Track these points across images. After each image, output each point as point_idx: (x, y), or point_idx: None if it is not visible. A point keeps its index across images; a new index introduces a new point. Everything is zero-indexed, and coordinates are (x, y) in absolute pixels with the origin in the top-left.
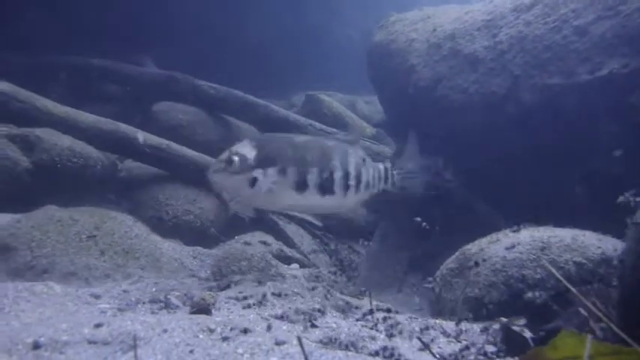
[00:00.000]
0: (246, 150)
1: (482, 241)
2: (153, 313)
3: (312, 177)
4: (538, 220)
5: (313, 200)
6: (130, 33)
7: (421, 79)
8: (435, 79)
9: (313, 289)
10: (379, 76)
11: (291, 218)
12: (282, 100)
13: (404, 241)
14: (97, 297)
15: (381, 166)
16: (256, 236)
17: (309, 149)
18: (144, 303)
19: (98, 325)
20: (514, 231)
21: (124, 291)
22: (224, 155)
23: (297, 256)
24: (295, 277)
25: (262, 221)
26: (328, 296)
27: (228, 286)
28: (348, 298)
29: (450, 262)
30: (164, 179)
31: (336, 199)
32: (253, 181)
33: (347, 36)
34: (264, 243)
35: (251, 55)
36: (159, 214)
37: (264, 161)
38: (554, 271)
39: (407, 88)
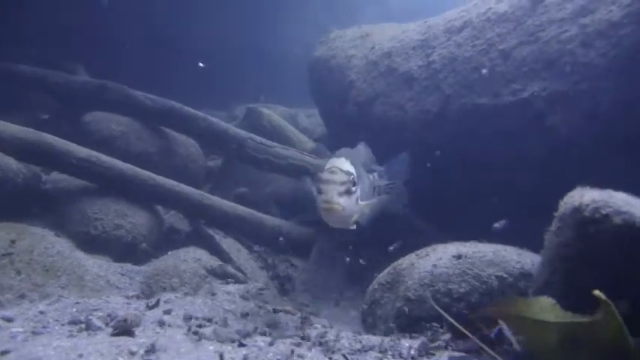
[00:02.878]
0: (350, 167)
1: (413, 256)
2: (71, 336)
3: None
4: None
5: (366, 211)
6: (66, 41)
7: (360, 94)
8: (373, 95)
9: (246, 305)
10: (320, 90)
11: (228, 232)
12: (223, 111)
13: (341, 256)
14: (8, 320)
15: (371, 177)
16: (190, 251)
17: (361, 164)
18: (62, 325)
19: (4, 352)
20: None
21: (41, 312)
22: (338, 177)
23: (232, 271)
24: (229, 293)
25: (198, 235)
26: (261, 313)
27: (156, 305)
28: (281, 315)
29: (382, 277)
30: (93, 192)
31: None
32: (357, 200)
33: (288, 49)
34: (198, 259)
35: (194, 65)
36: (87, 229)
37: (357, 178)
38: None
39: (346, 102)
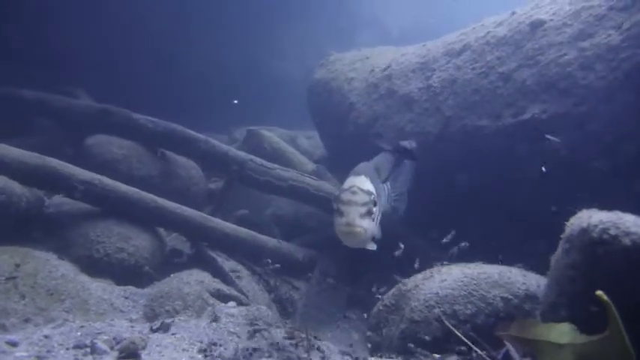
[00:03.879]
0: (370, 186)
1: (418, 277)
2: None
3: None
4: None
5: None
6: (67, 64)
7: (360, 116)
8: (373, 117)
9: (249, 328)
10: (319, 112)
11: (231, 255)
12: (223, 134)
13: (343, 277)
14: (13, 344)
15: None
16: (193, 274)
17: (377, 179)
18: (67, 349)
19: None
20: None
21: (46, 336)
22: (359, 197)
23: (235, 293)
24: (232, 315)
25: (200, 258)
26: (265, 334)
27: (160, 328)
28: (285, 337)
29: (387, 299)
30: (96, 216)
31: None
32: (375, 220)
33: (287, 71)
34: (201, 281)
35: (194, 89)
36: (89, 253)
37: (376, 197)
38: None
39: (346, 124)
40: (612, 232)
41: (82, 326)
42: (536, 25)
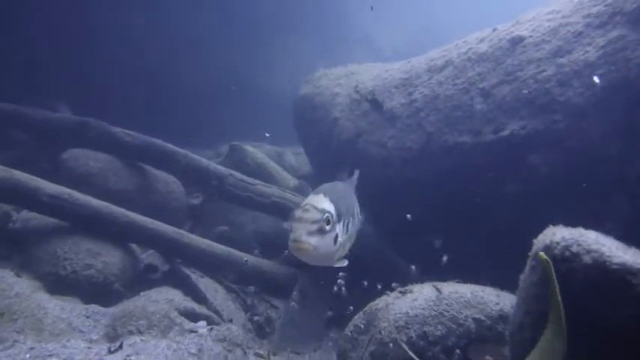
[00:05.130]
0: (327, 205)
1: (390, 297)
2: None
3: (350, 224)
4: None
5: (346, 247)
6: (54, 78)
7: (343, 132)
8: (356, 132)
9: (213, 349)
10: (304, 128)
11: (206, 272)
12: (211, 149)
13: (323, 297)
14: None
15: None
16: (163, 292)
17: (347, 199)
18: None
19: None
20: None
21: None
22: (311, 215)
23: (207, 312)
24: (200, 335)
25: (174, 275)
26: (230, 357)
27: (119, 349)
28: (252, 359)
29: (357, 319)
30: (64, 231)
31: (352, 238)
32: (336, 238)
33: (277, 88)
34: (170, 300)
35: (181, 104)
36: (55, 270)
37: (338, 216)
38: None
39: (330, 140)
40: (574, 249)
41: (32, 348)
42: (516, 42)
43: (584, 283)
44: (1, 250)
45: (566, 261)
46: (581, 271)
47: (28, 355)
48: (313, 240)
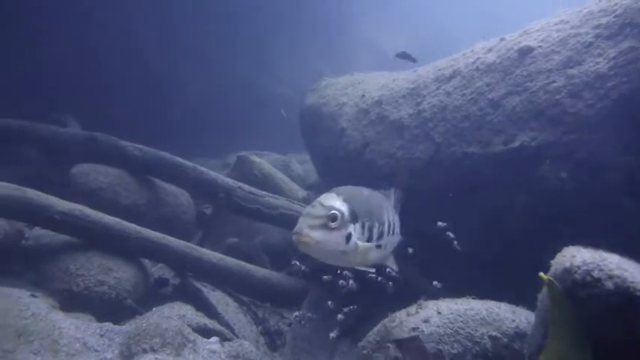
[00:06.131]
0: (339, 204)
1: (403, 313)
2: None
3: (375, 231)
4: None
5: (373, 254)
6: (59, 90)
7: (350, 142)
8: (363, 142)
9: None
10: (311, 137)
11: (217, 285)
12: (218, 159)
13: (334, 308)
14: None
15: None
16: (175, 308)
17: (372, 203)
18: None
19: None
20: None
21: None
22: (316, 210)
23: (219, 327)
24: (214, 352)
25: (186, 289)
26: None
27: None
28: None
29: (372, 335)
30: (77, 247)
31: (383, 251)
32: (348, 238)
33: (283, 95)
34: (183, 315)
35: (187, 113)
36: (68, 286)
37: (353, 216)
38: None
39: (337, 150)
40: (595, 274)
41: None
42: (525, 52)
43: (605, 309)
44: (14, 267)
45: (587, 286)
46: (603, 298)
47: None
48: (315, 234)
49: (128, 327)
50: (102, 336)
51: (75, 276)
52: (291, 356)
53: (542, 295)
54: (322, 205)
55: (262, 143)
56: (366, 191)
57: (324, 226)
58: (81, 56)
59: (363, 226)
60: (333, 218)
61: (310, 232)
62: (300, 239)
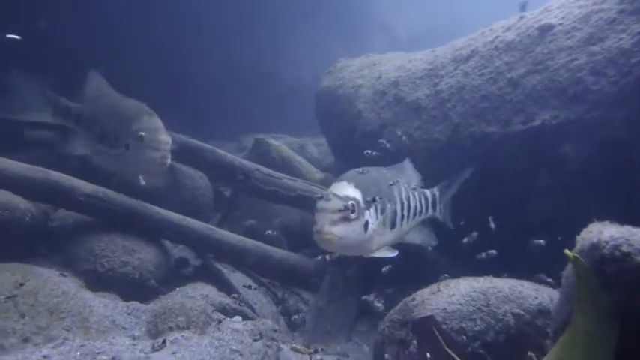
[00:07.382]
0: (351, 191)
1: (425, 292)
2: None
3: (389, 213)
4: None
5: (387, 236)
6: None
7: (367, 124)
8: (380, 124)
9: (253, 345)
10: (327, 120)
11: (237, 266)
12: (234, 142)
13: (353, 288)
14: None
15: (428, 193)
16: (198, 288)
17: (381, 184)
18: None
19: None
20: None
21: (45, 356)
22: (333, 204)
23: (241, 307)
24: (237, 331)
25: (207, 269)
26: (269, 352)
27: (163, 346)
28: (291, 354)
29: (394, 314)
30: (100, 229)
31: (398, 231)
32: (366, 226)
33: (297, 77)
34: (206, 295)
35: (204, 95)
36: (93, 267)
37: (367, 202)
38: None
39: (354, 132)
40: (624, 249)
41: (82, 345)
42: (545, 30)
43: (635, 283)
44: (41, 249)
45: (615, 261)
46: (633, 272)
47: (78, 353)
48: (337, 229)
49: (154, 306)
50: (129, 314)
51: (100, 257)
52: (311, 335)
53: (567, 271)
54: (337, 196)
55: (278, 127)
56: (374, 172)
57: (345, 219)
58: (98, 40)
59: (376, 210)
60: (353, 208)
61: (332, 229)
62: (323, 238)
